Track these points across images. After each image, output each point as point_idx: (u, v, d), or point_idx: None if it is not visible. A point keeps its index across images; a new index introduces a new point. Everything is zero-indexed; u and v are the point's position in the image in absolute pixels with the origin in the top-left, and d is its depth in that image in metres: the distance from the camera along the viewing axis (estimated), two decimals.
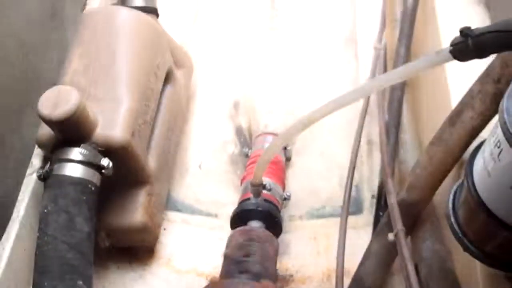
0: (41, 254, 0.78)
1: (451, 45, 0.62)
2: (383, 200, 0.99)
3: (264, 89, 1.34)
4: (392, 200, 0.82)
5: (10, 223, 0.87)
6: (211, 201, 1.20)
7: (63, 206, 0.80)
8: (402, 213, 0.80)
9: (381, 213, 0.98)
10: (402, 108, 1.02)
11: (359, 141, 1.02)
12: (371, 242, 0.90)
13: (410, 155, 0.99)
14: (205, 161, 1.26)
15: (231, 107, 1.34)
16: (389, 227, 0.82)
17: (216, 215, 1.18)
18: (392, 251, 0.85)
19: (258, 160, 0.92)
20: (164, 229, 1.13)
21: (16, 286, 0.87)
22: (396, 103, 1.01)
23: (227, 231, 1.13)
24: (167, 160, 1.10)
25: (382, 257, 0.87)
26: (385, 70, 1.16)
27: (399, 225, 0.78)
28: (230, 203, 1.18)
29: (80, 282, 0.75)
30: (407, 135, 1.01)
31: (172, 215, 1.17)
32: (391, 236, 0.79)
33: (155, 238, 1.06)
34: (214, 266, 1.08)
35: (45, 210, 0.80)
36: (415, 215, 0.84)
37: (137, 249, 1.09)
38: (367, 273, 0.87)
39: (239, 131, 1.29)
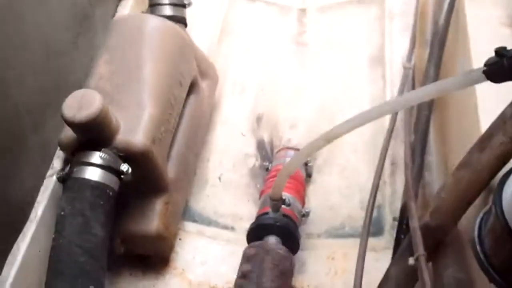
0: (55, 256, 0.77)
1: (485, 65, 0.60)
2: (405, 223, 0.95)
3: (288, 104, 1.33)
4: (415, 223, 0.79)
5: (28, 223, 0.88)
6: (228, 214, 1.18)
7: (80, 210, 0.80)
8: (425, 237, 0.76)
9: (402, 236, 0.95)
10: (429, 129, 1.00)
11: (383, 161, 0.99)
12: (390, 265, 0.86)
13: (435, 178, 0.96)
14: (225, 173, 1.25)
15: (254, 120, 1.33)
16: (410, 251, 0.79)
17: (233, 228, 1.16)
18: (411, 276, 0.82)
19: (278, 174, 0.90)
20: (180, 239, 1.12)
21: (31, 286, 0.86)
22: (423, 123, 0.99)
23: (243, 244, 1.11)
24: (186, 170, 1.10)
25: (401, 282, 0.83)
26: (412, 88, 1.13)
27: (420, 249, 0.75)
28: (248, 217, 1.17)
29: (92, 287, 0.75)
30: (433, 157, 0.98)
31: (188, 225, 1.16)
32: (411, 261, 0.76)
33: (170, 248, 1.05)
34: (228, 280, 1.07)
35: (62, 213, 0.80)
36: (438, 240, 0.81)
37: (151, 258, 1.08)
38: None
39: (260, 145, 1.28)
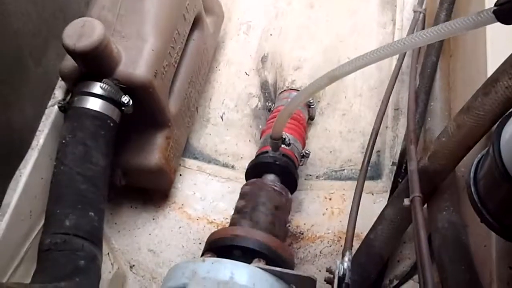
0: (56, 183, 0.79)
1: (496, 5, 0.58)
2: (403, 167, 0.96)
3: (294, 45, 1.30)
4: (413, 166, 0.80)
5: (29, 151, 0.88)
6: (229, 153, 1.19)
7: (81, 139, 0.80)
8: (422, 180, 0.77)
9: (399, 180, 0.96)
10: (436, 75, 0.98)
11: (386, 105, 0.98)
12: (386, 207, 0.88)
13: (437, 124, 0.95)
14: (227, 112, 1.25)
15: (258, 60, 1.31)
16: (406, 194, 0.80)
17: (233, 167, 1.17)
18: (406, 217, 0.84)
19: (280, 113, 0.90)
20: (180, 175, 1.14)
21: (31, 213, 0.88)
22: (430, 68, 0.97)
23: (242, 183, 1.12)
24: (188, 107, 1.09)
25: (395, 223, 0.85)
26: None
27: (416, 191, 0.75)
28: (248, 156, 1.17)
29: (92, 214, 0.76)
30: (437, 104, 0.97)
31: (189, 162, 1.17)
32: (406, 201, 0.77)
33: (170, 183, 1.07)
34: (226, 216, 1.09)
35: (63, 141, 0.81)
36: (435, 184, 0.82)
37: (152, 192, 1.10)
38: (378, 238, 0.86)
39: (264, 85, 1.26)
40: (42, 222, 0.90)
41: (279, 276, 0.71)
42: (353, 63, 0.73)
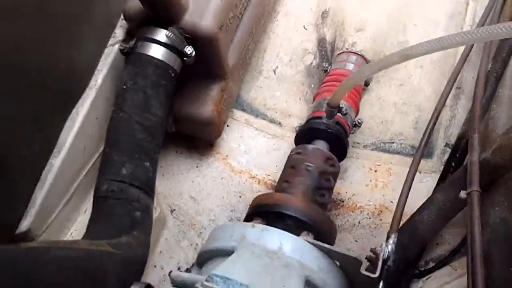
0: (114, 128, 0.79)
1: None
2: (459, 152, 0.93)
3: (358, 4, 1.24)
4: (474, 157, 0.77)
5: (87, 90, 0.88)
6: (278, 108, 1.18)
7: (142, 86, 0.80)
8: (481, 174, 0.75)
9: (453, 164, 0.94)
10: (510, 60, 0.93)
11: (452, 85, 0.94)
12: (436, 192, 0.86)
13: (502, 112, 0.91)
14: (281, 66, 1.22)
15: (318, 15, 1.26)
16: (461, 183, 0.78)
17: (280, 124, 1.16)
18: (456, 207, 0.82)
19: (342, 82, 0.87)
20: (227, 126, 1.13)
21: (86, 150, 0.90)
22: (505, 53, 0.92)
23: (288, 141, 1.12)
24: (245, 59, 1.07)
25: (444, 210, 0.84)
26: (501, 9, 1.03)
27: (475, 185, 0.73)
28: (297, 115, 1.16)
29: (147, 164, 0.77)
30: (505, 91, 0.92)
31: (236, 113, 1.16)
32: (463, 194, 0.75)
33: (218, 134, 1.07)
34: (268, 172, 1.09)
35: (124, 86, 0.80)
36: (494, 178, 0.79)
37: (198, 140, 1.11)
38: (423, 221, 0.85)
39: (322, 43, 1.22)
40: (94, 160, 0.93)
41: (326, 252, 0.71)
42: (429, 45, 0.69)
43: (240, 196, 1.07)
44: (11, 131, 0.72)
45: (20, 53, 0.70)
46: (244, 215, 1.05)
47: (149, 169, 0.77)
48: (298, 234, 0.73)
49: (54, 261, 0.40)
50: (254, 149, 1.13)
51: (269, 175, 1.09)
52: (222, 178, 1.09)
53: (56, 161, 0.82)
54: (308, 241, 0.71)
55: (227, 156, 1.11)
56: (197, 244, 1.02)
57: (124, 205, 0.69)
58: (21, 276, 0.34)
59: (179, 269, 0.99)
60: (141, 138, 0.77)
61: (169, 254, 1.01)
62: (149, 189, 0.76)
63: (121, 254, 0.54)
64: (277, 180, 1.07)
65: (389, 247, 0.76)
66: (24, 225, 0.78)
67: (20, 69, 0.70)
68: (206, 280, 0.61)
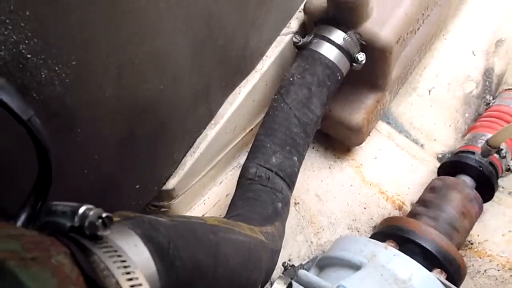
0: (272, 116, 0.81)
1: None
2: None
3: None
4: None
5: (253, 73, 0.92)
6: (424, 130, 1.13)
7: (308, 83, 0.81)
8: None
9: None
10: None
11: None
12: None
13: None
14: (438, 87, 1.17)
15: (492, 43, 1.18)
16: None
17: (422, 146, 1.12)
18: None
19: (510, 125, 0.82)
20: (369, 135, 1.12)
21: (236, 128, 0.94)
22: None
23: (426, 166, 1.08)
24: (406, 74, 1.04)
25: None
26: None
27: None
28: (442, 141, 1.11)
29: (295, 158, 0.79)
30: None
31: (381, 125, 1.14)
32: None
33: (361, 142, 1.06)
34: (398, 192, 1.07)
35: (291, 79, 0.82)
36: None
37: (337, 142, 1.11)
38: None
39: (488, 73, 1.15)
40: (240, 138, 0.97)
41: None
42: None
43: (365, 208, 1.06)
44: (184, 98, 0.77)
45: (211, 29, 0.74)
46: (364, 227, 1.05)
47: (296, 163, 0.79)
48: (429, 269, 0.71)
49: (233, 243, 0.43)
50: (389, 165, 1.10)
51: (399, 195, 1.06)
52: (351, 185, 1.08)
53: (211, 132, 0.88)
54: (440, 280, 0.69)
55: (361, 164, 1.10)
56: (311, 242, 1.03)
57: (269, 194, 0.72)
58: (212, 250, 0.38)
59: (289, 261, 1.01)
60: (296, 133, 0.79)
61: (283, 245, 1.03)
62: (291, 183, 0.78)
63: (269, 244, 0.56)
64: (405, 202, 1.05)
65: None
66: (171, 183, 0.85)
67: (209, 45, 0.75)
68: None
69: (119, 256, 0.28)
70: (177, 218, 0.38)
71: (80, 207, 0.28)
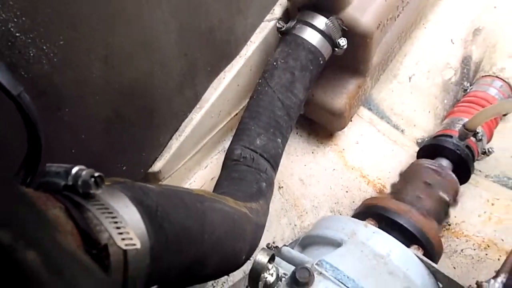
0: (257, 100, 0.83)
1: None
2: None
3: None
4: None
5: (237, 58, 0.94)
6: (404, 116, 1.16)
7: (291, 67, 0.83)
8: None
9: None
10: None
11: None
12: None
13: None
14: (417, 75, 1.20)
15: (470, 31, 1.21)
16: None
17: (402, 131, 1.15)
18: None
19: (486, 108, 0.85)
20: (351, 120, 1.14)
21: (220, 113, 0.96)
22: None
23: (406, 151, 1.11)
24: (387, 60, 1.07)
25: None
26: None
27: None
28: (421, 126, 1.14)
29: (279, 140, 0.81)
30: None
31: (363, 111, 1.17)
32: None
33: (343, 126, 1.08)
34: (379, 176, 1.10)
35: (274, 63, 0.84)
36: None
37: (320, 127, 1.13)
38: None
39: (466, 61, 1.18)
40: (225, 122, 0.99)
41: (432, 271, 0.71)
42: None
43: (347, 191, 1.08)
44: (171, 82, 0.79)
45: (196, 14, 0.76)
46: (346, 210, 1.08)
47: (280, 145, 0.81)
48: (407, 246, 0.74)
49: (219, 212, 0.45)
50: (371, 150, 1.13)
51: (380, 179, 1.09)
52: (334, 169, 1.11)
53: (196, 116, 0.89)
54: (417, 256, 0.72)
55: (343, 149, 1.13)
56: (295, 225, 1.06)
57: (254, 174, 0.73)
58: (198, 217, 0.39)
59: (273, 243, 1.03)
60: (280, 115, 0.81)
61: (267, 228, 1.05)
62: (275, 164, 0.80)
63: (253, 218, 0.58)
64: (386, 185, 1.08)
65: (497, 285, 0.74)
66: (157, 166, 0.86)
67: (194, 30, 0.77)
68: (317, 264, 0.64)
69: (111, 213, 0.30)
70: (165, 187, 0.40)
71: (73, 167, 0.30)
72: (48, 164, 0.31)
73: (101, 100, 0.65)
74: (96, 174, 0.30)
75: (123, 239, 0.29)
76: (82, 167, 0.30)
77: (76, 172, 0.30)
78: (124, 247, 0.28)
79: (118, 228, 0.29)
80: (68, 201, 0.29)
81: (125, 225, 0.30)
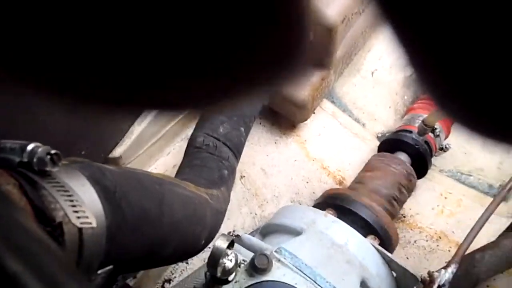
0: None
1: None
2: None
3: None
4: None
5: None
6: (366, 110, 1.19)
7: None
8: None
9: None
10: None
11: None
12: (505, 237, 0.86)
13: None
14: (380, 70, 1.22)
15: None
16: None
17: (364, 125, 1.18)
18: None
19: None
20: (314, 113, 1.16)
21: None
22: None
23: (367, 144, 1.14)
24: (350, 55, 1.08)
25: (508, 257, 0.84)
26: None
27: None
28: (382, 121, 1.17)
29: (242, 129, 0.81)
30: None
31: (326, 103, 1.18)
32: None
33: (306, 118, 1.09)
34: (340, 168, 1.12)
35: None
36: None
37: (283, 118, 1.14)
38: (484, 262, 0.85)
39: None
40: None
41: (387, 261, 0.74)
42: None
43: (307, 182, 1.10)
44: None
45: None
46: (306, 201, 1.09)
47: (242, 134, 0.81)
48: (365, 236, 0.75)
49: (179, 196, 0.45)
50: (332, 142, 1.15)
51: (340, 171, 1.11)
52: (295, 160, 1.12)
53: None
54: (373, 245, 0.74)
55: (305, 140, 1.14)
56: (255, 214, 1.07)
57: (216, 161, 0.73)
58: (157, 199, 0.39)
59: (234, 231, 1.04)
60: (243, 104, 0.81)
61: (228, 216, 1.05)
62: (237, 152, 0.80)
63: (213, 204, 0.58)
64: (345, 177, 1.10)
65: (447, 275, 0.77)
66: (118, 151, 0.85)
67: None
68: (276, 251, 0.65)
69: (67, 191, 0.29)
70: (124, 168, 0.39)
71: (29, 144, 0.29)
72: (3, 141, 0.30)
73: None
74: (53, 152, 0.29)
75: (78, 217, 0.28)
76: (38, 144, 0.29)
77: (32, 149, 0.29)
78: (80, 225, 0.28)
79: (73, 206, 0.29)
80: (22, 178, 0.28)
81: (81, 203, 0.29)
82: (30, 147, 0.29)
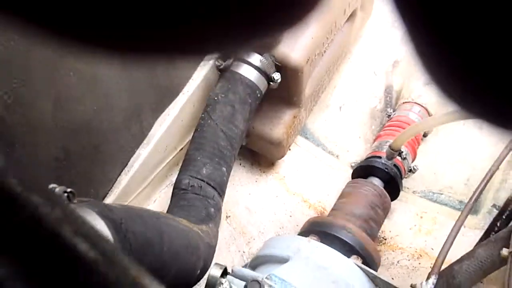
0: (201, 132, 0.89)
1: None
2: (506, 214, 0.99)
3: None
4: None
5: (180, 95, 0.99)
6: (338, 142, 1.26)
7: (231, 101, 0.90)
8: None
9: (498, 224, 0.99)
10: None
11: (509, 151, 1.00)
12: (479, 246, 0.92)
13: None
14: (347, 104, 1.30)
15: (390, 63, 1.34)
16: (504, 243, 0.84)
17: (337, 156, 1.25)
18: (496, 264, 0.88)
19: (407, 129, 0.95)
20: (290, 149, 1.22)
21: (168, 147, 1.00)
22: None
23: (342, 174, 1.20)
24: (318, 92, 1.16)
25: (483, 265, 0.89)
26: None
27: None
28: (354, 151, 1.24)
29: (224, 169, 0.87)
30: None
31: (300, 140, 1.25)
32: (505, 252, 0.81)
33: (282, 155, 1.16)
34: (319, 199, 1.17)
35: (215, 98, 0.91)
36: None
37: (262, 157, 1.20)
38: (461, 272, 0.90)
39: (388, 90, 1.30)
40: (171, 156, 1.03)
41: (371, 278, 0.78)
42: None
43: (290, 216, 1.15)
44: (114, 120, 0.83)
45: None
46: (291, 233, 1.14)
47: (225, 174, 0.86)
48: (348, 256, 0.80)
49: (174, 228, 0.50)
50: (310, 175, 1.21)
51: (320, 202, 1.17)
52: (276, 196, 1.17)
53: (143, 152, 0.93)
54: (357, 265, 0.79)
55: (284, 176, 1.20)
56: (244, 252, 1.10)
57: (202, 201, 0.78)
58: (157, 230, 0.44)
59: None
60: (223, 146, 0.87)
61: (217, 256, 1.09)
62: (221, 191, 0.85)
63: (204, 238, 0.63)
64: (326, 207, 1.15)
65: (428, 286, 0.82)
66: (107, 201, 0.89)
67: (139, 69, 0.82)
68: (267, 278, 0.70)
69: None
70: (125, 205, 0.44)
71: (48, 184, 0.34)
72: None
73: (50, 139, 0.69)
74: (69, 190, 0.34)
75: None
76: (54, 185, 0.34)
77: (50, 188, 0.34)
78: None
79: None
80: None
81: None
82: (49, 186, 0.34)
